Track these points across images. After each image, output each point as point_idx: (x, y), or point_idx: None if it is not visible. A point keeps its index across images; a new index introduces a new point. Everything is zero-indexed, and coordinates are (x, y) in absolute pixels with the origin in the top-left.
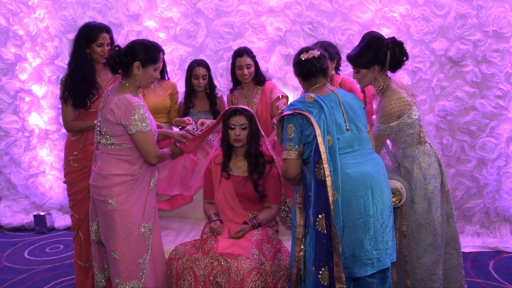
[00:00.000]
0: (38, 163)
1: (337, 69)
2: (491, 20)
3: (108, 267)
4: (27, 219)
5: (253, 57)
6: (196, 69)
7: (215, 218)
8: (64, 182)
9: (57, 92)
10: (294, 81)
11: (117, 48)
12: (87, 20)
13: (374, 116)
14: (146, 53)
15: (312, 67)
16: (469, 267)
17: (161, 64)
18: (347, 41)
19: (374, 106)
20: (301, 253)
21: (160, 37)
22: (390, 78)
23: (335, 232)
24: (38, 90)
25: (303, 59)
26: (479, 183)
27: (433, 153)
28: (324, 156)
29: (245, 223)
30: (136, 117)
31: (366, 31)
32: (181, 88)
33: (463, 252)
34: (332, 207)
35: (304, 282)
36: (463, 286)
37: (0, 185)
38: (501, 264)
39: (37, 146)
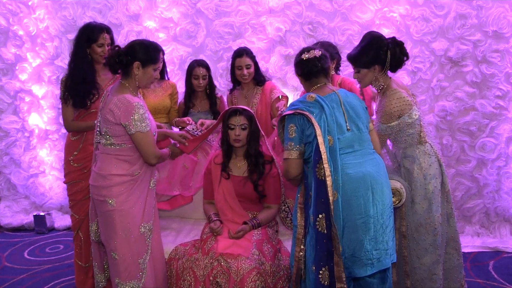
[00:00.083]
0: (38, 163)
1: (337, 69)
2: (491, 20)
3: (108, 267)
4: (27, 219)
5: (252, 58)
6: (196, 69)
7: (215, 218)
8: (64, 182)
9: (57, 92)
10: (294, 81)
11: (117, 48)
12: (87, 20)
13: (373, 117)
14: (146, 53)
15: (313, 67)
16: (469, 267)
17: (161, 64)
18: (347, 41)
19: (373, 107)
20: (301, 253)
21: (160, 37)
22: (390, 78)
23: (335, 232)
24: (38, 90)
25: (304, 59)
26: (479, 183)
27: (434, 153)
28: (324, 156)
29: (245, 223)
30: (135, 117)
31: (366, 31)
32: (181, 88)
33: (463, 252)
34: (332, 207)
35: (305, 282)
36: (463, 286)
37: (0, 185)
38: (501, 264)
39: (37, 146)
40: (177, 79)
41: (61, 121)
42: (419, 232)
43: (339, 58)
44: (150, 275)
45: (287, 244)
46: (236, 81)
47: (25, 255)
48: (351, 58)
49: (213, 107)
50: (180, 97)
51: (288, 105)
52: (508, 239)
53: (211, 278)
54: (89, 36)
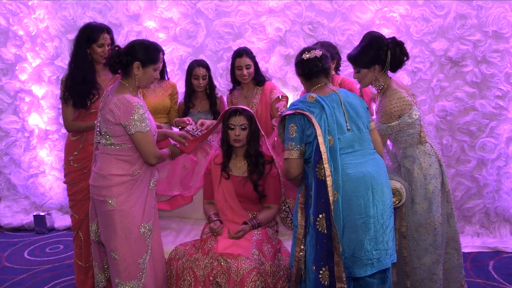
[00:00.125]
0: (38, 163)
1: (337, 69)
2: (491, 21)
3: (108, 267)
4: (27, 219)
5: (252, 58)
6: (196, 69)
7: (215, 218)
8: (64, 182)
9: (57, 92)
10: (294, 81)
11: (117, 48)
12: (87, 20)
13: (373, 117)
14: (146, 53)
15: (314, 67)
16: (469, 267)
17: (161, 65)
18: (347, 41)
19: (373, 108)
20: (301, 253)
21: (160, 38)
22: (390, 78)
23: (336, 232)
24: (38, 90)
25: (305, 58)
26: (478, 183)
27: (434, 153)
28: (324, 156)
29: (245, 223)
30: (135, 117)
31: (366, 32)
32: (181, 88)
33: (463, 252)
34: (332, 207)
35: (305, 282)
36: (463, 286)
37: (0, 185)
38: (501, 264)
39: (37, 146)
40: (177, 79)
41: (61, 121)
42: (419, 232)
43: (339, 58)
44: (150, 275)
45: (287, 244)
46: (236, 81)
47: (25, 255)
48: (351, 58)
49: (213, 107)
50: (180, 97)
51: (288, 106)
52: (508, 239)
53: (211, 278)
54: (89, 36)
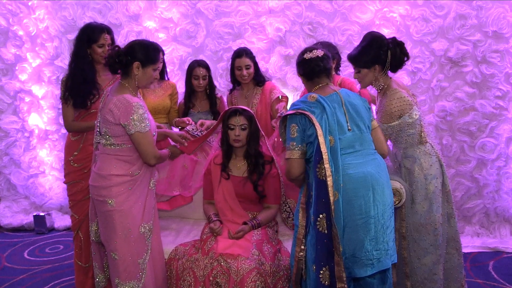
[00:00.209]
0: (38, 163)
1: (337, 69)
2: (490, 21)
3: (108, 267)
4: (27, 219)
5: (252, 58)
6: (196, 69)
7: (215, 219)
8: (64, 183)
9: (57, 92)
10: (294, 81)
11: (116, 48)
12: (87, 20)
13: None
14: (146, 53)
15: (315, 66)
16: (469, 268)
17: (160, 65)
18: (347, 41)
19: (372, 109)
20: (301, 253)
21: (160, 38)
22: (390, 78)
23: (336, 232)
24: (38, 90)
25: (306, 58)
26: (478, 184)
27: (434, 153)
28: (325, 156)
29: (244, 223)
30: (135, 117)
31: (366, 32)
32: (181, 88)
33: (463, 253)
34: (333, 207)
35: (305, 282)
36: (463, 286)
37: (0, 186)
38: (501, 265)
39: (37, 146)
40: (177, 79)
41: (61, 121)
42: (420, 232)
43: (339, 58)
44: (150, 275)
45: (287, 244)
46: (236, 82)
47: (25, 255)
48: (352, 58)
49: (213, 107)
50: (180, 97)
51: (288, 106)
52: (508, 239)
53: (211, 278)
54: (90, 36)
